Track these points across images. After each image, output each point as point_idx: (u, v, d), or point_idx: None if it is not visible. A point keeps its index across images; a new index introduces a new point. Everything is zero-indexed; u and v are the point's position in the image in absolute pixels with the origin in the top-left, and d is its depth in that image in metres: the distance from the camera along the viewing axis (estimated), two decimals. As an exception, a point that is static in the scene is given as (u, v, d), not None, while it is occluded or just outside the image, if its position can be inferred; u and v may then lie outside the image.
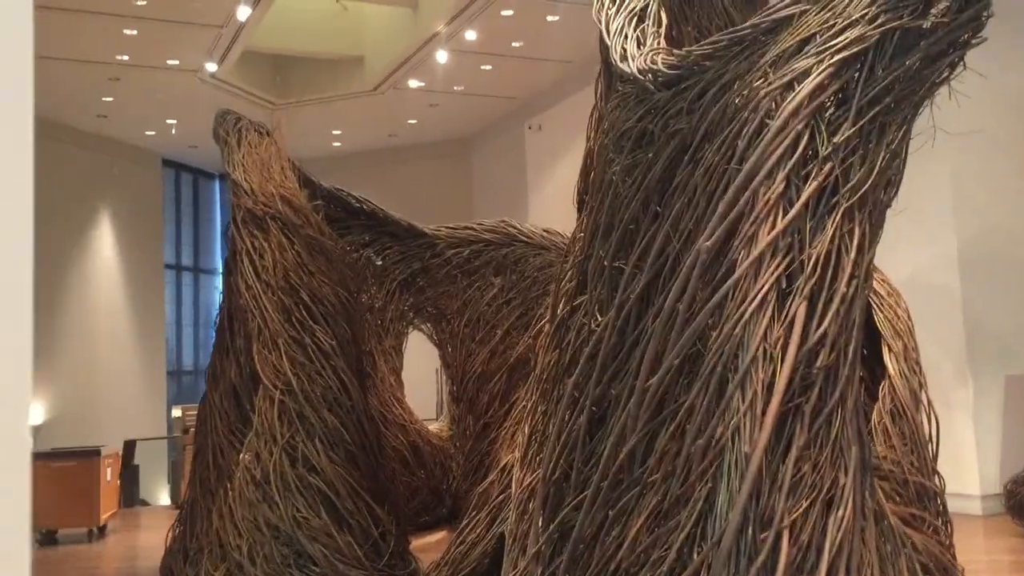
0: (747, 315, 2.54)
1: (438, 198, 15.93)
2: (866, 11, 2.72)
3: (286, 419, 5.69)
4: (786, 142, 2.60)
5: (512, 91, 14.38)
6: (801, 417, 2.50)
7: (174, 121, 15.08)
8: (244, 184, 6.35)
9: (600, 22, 3.62)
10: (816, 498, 2.47)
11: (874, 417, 4.85)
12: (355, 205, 8.02)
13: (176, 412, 13.69)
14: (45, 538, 8.74)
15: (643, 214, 3.06)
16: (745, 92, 2.76)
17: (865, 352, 4.79)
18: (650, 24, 3.46)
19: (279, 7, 11.99)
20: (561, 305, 3.57)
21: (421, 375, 11.57)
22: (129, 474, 12.32)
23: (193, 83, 13.24)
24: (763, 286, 2.54)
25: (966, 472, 8.02)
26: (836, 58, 2.68)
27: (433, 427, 9.80)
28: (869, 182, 2.67)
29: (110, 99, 13.78)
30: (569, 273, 3.60)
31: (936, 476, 4.95)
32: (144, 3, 10.77)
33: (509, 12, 11.41)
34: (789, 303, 2.56)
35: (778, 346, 2.51)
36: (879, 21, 2.70)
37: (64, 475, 8.85)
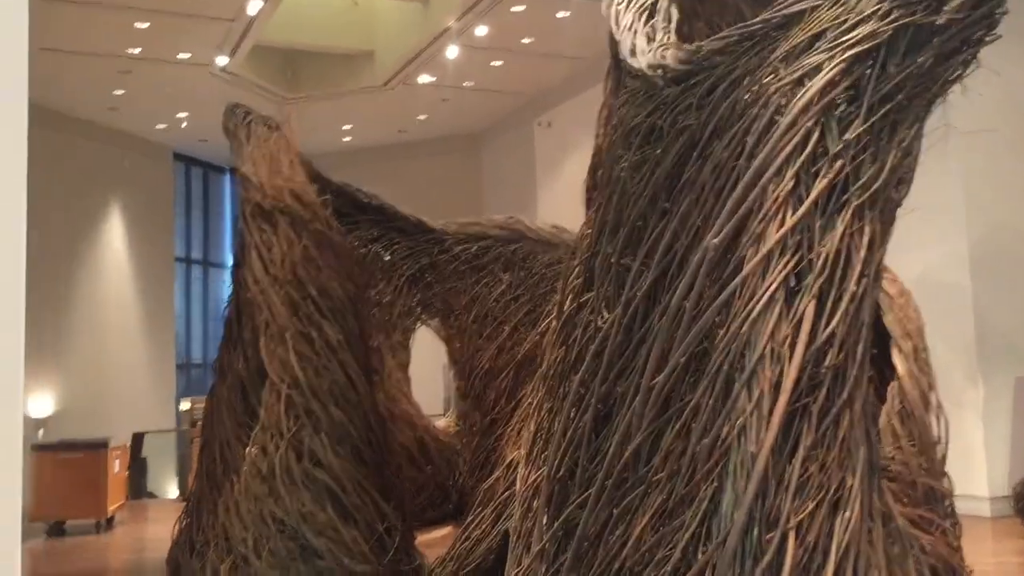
0: (755, 313, 2.52)
1: (447, 194, 15.91)
2: (878, 7, 2.68)
3: (293, 413, 5.69)
4: (796, 139, 2.58)
5: (522, 87, 14.35)
6: (808, 417, 2.48)
7: (185, 115, 15.10)
8: (253, 178, 6.35)
9: (610, 17, 3.59)
10: (823, 499, 2.45)
11: (883, 418, 4.82)
12: (364, 200, 8.01)
13: (185, 405, 13.73)
14: (53, 529, 8.77)
15: (651, 211, 3.04)
16: (755, 88, 2.73)
17: (874, 352, 4.75)
18: (660, 20, 3.43)
19: (290, 1, 11.99)
20: (568, 302, 3.54)
21: (428, 371, 11.57)
22: (137, 466, 12.37)
23: (204, 77, 13.24)
24: (771, 284, 2.52)
25: (975, 474, 7.97)
26: (848, 54, 2.65)
27: (440, 423, 9.80)
28: (880, 180, 2.64)
29: (121, 92, 13.80)
30: (576, 270, 3.58)
31: (945, 478, 4.92)
32: (155, -4, 10.80)
33: (520, 8, 11.38)
34: (797, 302, 2.54)
35: (786, 345, 2.49)
36: (892, 17, 2.66)
37: (72, 467, 8.88)
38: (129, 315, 15.79)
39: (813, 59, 2.69)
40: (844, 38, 2.69)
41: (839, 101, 2.66)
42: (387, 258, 8.45)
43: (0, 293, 1.09)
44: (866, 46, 2.67)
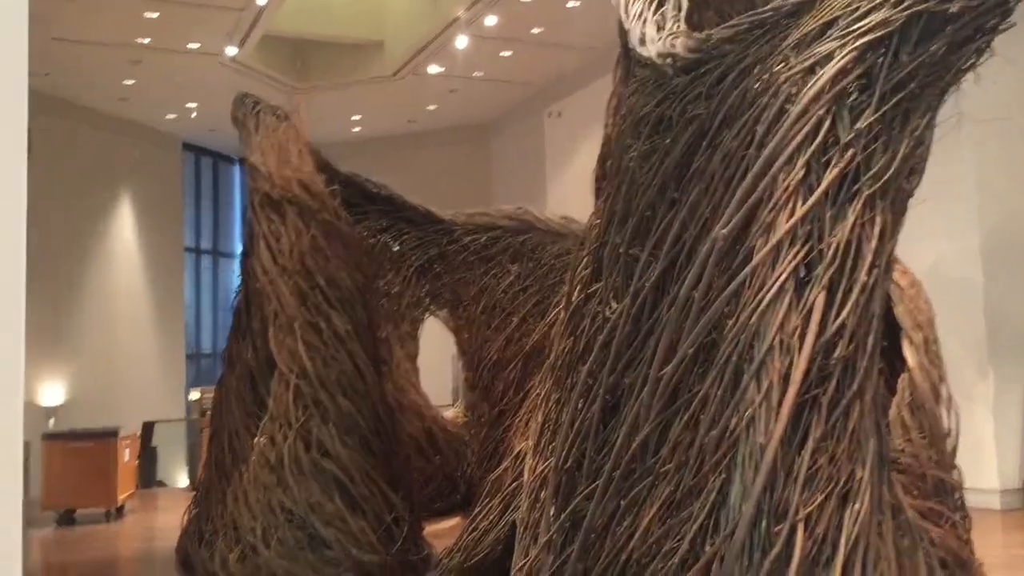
0: (764, 304, 2.50)
1: (456, 184, 15.89)
2: (891, -6, 2.65)
3: (301, 403, 5.69)
4: (807, 128, 2.55)
5: (532, 77, 14.30)
6: (818, 409, 2.46)
7: (194, 105, 15.11)
8: (261, 168, 6.35)
9: (619, 6, 3.56)
10: (832, 491, 2.43)
11: (893, 410, 4.79)
12: (372, 190, 7.99)
13: (194, 395, 13.77)
14: (63, 518, 8.81)
15: (660, 201, 3.01)
16: (765, 77, 2.70)
17: (885, 344, 4.72)
18: (670, 8, 3.40)
19: (299, -9, 11.97)
20: (576, 292, 3.52)
21: (437, 362, 11.57)
22: (148, 455, 12.42)
23: (213, 66, 13.24)
24: (781, 275, 2.49)
25: (985, 467, 7.93)
26: (859, 42, 2.62)
27: (448, 414, 9.80)
28: (892, 170, 2.61)
29: (131, 82, 13.82)
30: (584, 260, 3.56)
31: (955, 470, 4.89)
32: (165, -14, 10.79)
33: (530, -3, 11.35)
34: (807, 292, 2.51)
35: (795, 336, 2.46)
36: (904, 4, 2.63)
37: (82, 456, 8.92)
38: (139, 305, 15.84)
39: (825, 47, 2.66)
40: (856, 26, 2.66)
41: (851, 90, 2.63)
42: (396, 248, 8.44)
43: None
44: (878, 34, 2.64)
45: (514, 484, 4.89)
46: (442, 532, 7.09)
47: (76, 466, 8.82)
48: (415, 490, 6.58)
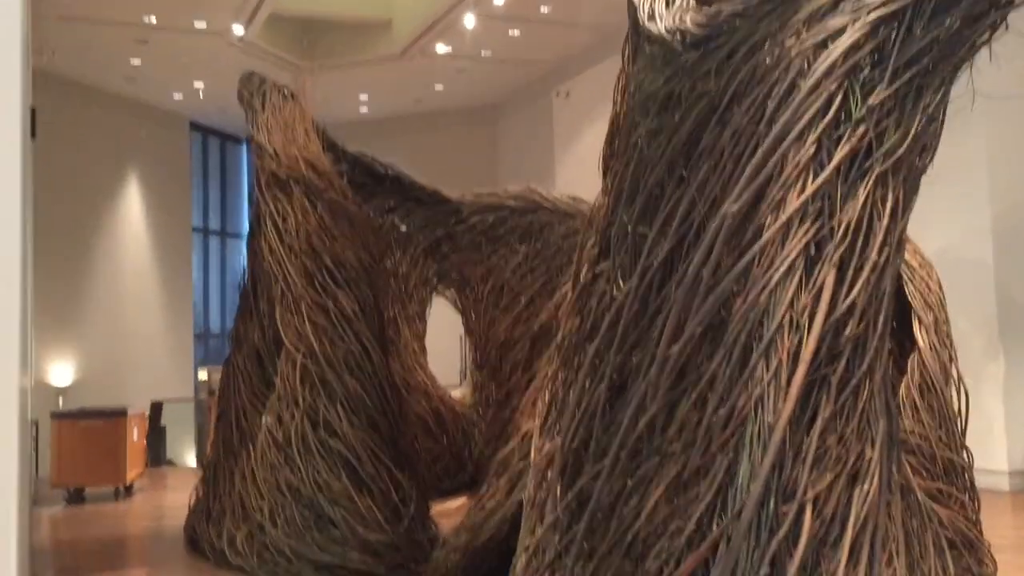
0: (773, 282, 2.47)
1: (464, 164, 15.84)
2: (905, -33, 2.60)
3: (308, 383, 5.69)
4: (818, 103, 2.51)
5: (540, 57, 14.21)
6: (827, 388, 2.44)
7: (201, 84, 15.06)
8: (268, 147, 6.32)
9: (628, -19, 3.51)
10: (841, 471, 2.41)
11: (902, 390, 4.77)
12: (380, 170, 7.97)
13: (203, 374, 13.81)
14: (73, 496, 8.86)
15: (668, 178, 2.98)
16: (776, 51, 2.66)
17: (894, 324, 4.69)
18: (679, -17, 3.36)
19: (306, -31, 11.90)
20: (583, 271, 3.50)
21: (445, 342, 11.57)
22: (156, 435, 12.47)
23: (220, 46, 13.19)
24: (791, 252, 2.47)
25: (994, 447, 7.91)
26: (872, 16, 2.57)
27: (456, 394, 9.80)
28: (904, 147, 2.57)
29: (137, 62, 13.77)
30: (592, 239, 3.53)
31: (964, 451, 4.87)
32: (171, -36, 10.73)
33: (538, -25, 11.25)
34: (817, 270, 2.49)
35: (805, 315, 2.44)
36: (918, -22, 2.58)
37: (91, 435, 8.95)
38: (147, 285, 15.87)
39: (837, 21, 2.62)
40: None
41: (863, 65, 2.59)
42: (403, 229, 8.42)
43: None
44: (892, 8, 2.59)
45: (521, 464, 4.88)
46: (450, 511, 7.10)
47: (85, 445, 8.85)
48: (422, 470, 6.59)
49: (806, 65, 2.60)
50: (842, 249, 2.49)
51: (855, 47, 2.57)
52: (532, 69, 14.78)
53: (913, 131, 2.61)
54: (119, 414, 9.17)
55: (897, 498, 2.66)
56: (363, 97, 16.03)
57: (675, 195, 2.91)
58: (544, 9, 12.27)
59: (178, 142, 16.81)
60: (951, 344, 5.11)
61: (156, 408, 12.64)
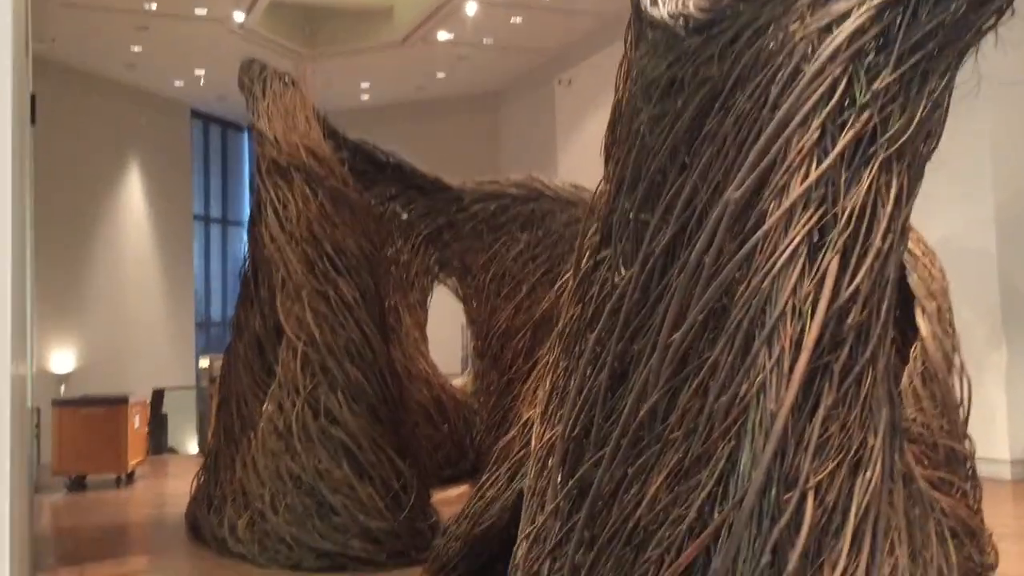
0: (776, 269, 2.45)
1: (466, 152, 15.80)
2: (911, -49, 2.57)
3: (309, 371, 5.68)
4: (822, 88, 2.49)
5: (542, 44, 14.15)
6: (830, 375, 2.42)
7: (202, 72, 15.01)
8: (268, 133, 6.30)
9: (631, -34, 3.48)
10: (843, 459, 2.40)
11: (905, 379, 4.75)
12: (381, 158, 7.94)
13: (204, 362, 13.81)
14: (74, 483, 8.87)
15: (670, 165, 2.96)
16: (780, 36, 2.63)
17: (897, 312, 4.67)
18: (682, -32, 3.32)
19: (307, -44, 11.83)
20: (585, 259, 3.48)
21: (446, 330, 11.55)
22: (158, 422, 12.48)
23: (221, 33, 13.14)
24: (794, 239, 2.44)
25: (996, 436, 7.90)
26: (877, 0, 2.54)
27: (457, 382, 9.79)
28: (909, 132, 2.55)
29: (138, 49, 13.73)
30: (594, 226, 3.51)
31: (966, 440, 4.85)
32: (171, -50, 10.68)
33: (540, -38, 11.19)
34: (821, 257, 2.47)
35: (808, 301, 2.42)
36: (924, -39, 2.55)
37: (93, 422, 8.95)
38: (149, 273, 15.87)
39: (841, 5, 2.59)
40: (874, -17, 2.59)
41: (868, 49, 2.56)
42: (404, 217, 8.39)
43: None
44: (897, -8, 2.56)
45: (522, 452, 4.88)
46: (451, 499, 7.10)
47: (87, 432, 8.86)
48: (424, 457, 6.59)
49: (810, 50, 2.57)
50: (846, 236, 2.47)
51: (860, 31, 2.54)
52: (534, 57, 14.73)
53: (918, 117, 2.58)
54: (120, 402, 9.18)
55: (899, 487, 2.65)
56: (364, 85, 15.98)
57: (677, 182, 2.89)
58: (546, -4, 12.22)
59: (179, 129, 16.78)
60: (954, 332, 5.08)
61: (157, 396, 12.65)
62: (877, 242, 2.51)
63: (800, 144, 2.49)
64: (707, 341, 2.62)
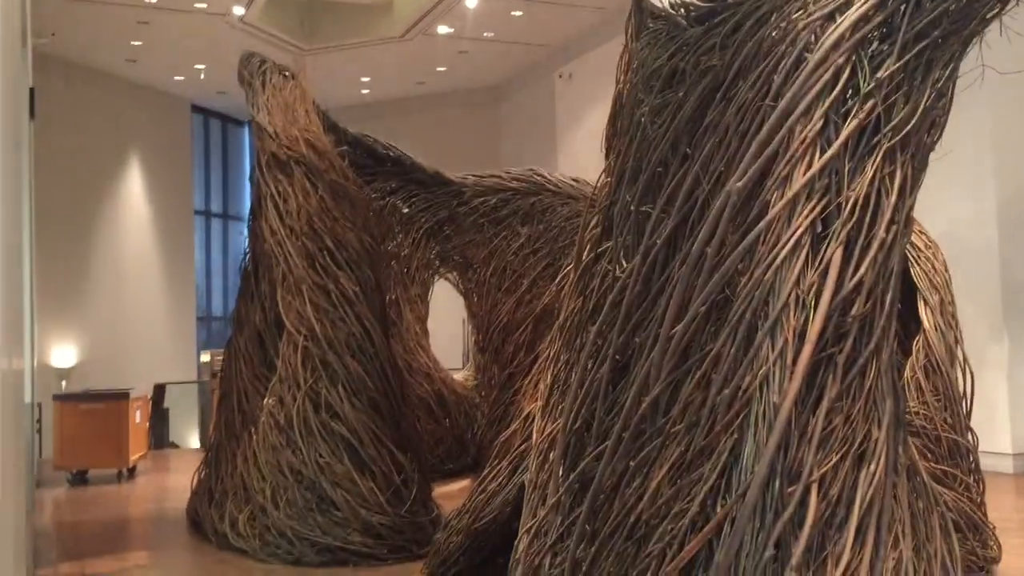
0: (779, 260, 2.43)
1: (466, 146, 15.77)
2: (915, -62, 2.54)
3: (309, 365, 5.66)
4: (825, 77, 2.46)
5: (543, 38, 14.11)
6: (834, 367, 2.40)
7: (202, 66, 14.99)
8: (268, 127, 6.27)
9: (632, -44, 3.46)
10: (847, 452, 2.37)
11: (907, 372, 4.73)
12: (382, 152, 7.92)
13: (205, 357, 13.80)
14: (76, 478, 8.87)
15: (672, 156, 2.94)
16: (783, 25, 2.61)
17: (899, 305, 4.65)
18: (684, -43, 3.29)
19: (307, -51, 11.79)
20: (586, 251, 3.46)
21: (447, 324, 11.53)
22: (160, 417, 12.49)
23: (221, 27, 13.11)
24: (797, 229, 2.42)
25: (999, 430, 7.88)
26: (881, -12, 2.52)
27: (459, 376, 9.78)
28: (913, 122, 2.52)
29: (138, 43, 13.71)
30: (595, 219, 3.49)
31: (969, 433, 4.84)
32: (170, -56, 10.64)
33: (541, -45, 11.15)
34: (824, 248, 2.44)
35: (811, 293, 2.40)
36: (929, -52, 2.53)
37: (94, 417, 8.95)
38: (150, 268, 15.86)
39: (845, -7, 2.57)
40: (878, -29, 2.56)
41: (871, 37, 2.54)
42: (405, 210, 8.37)
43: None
44: (901, -21, 2.54)
45: (523, 446, 4.86)
46: (452, 494, 7.09)
47: (88, 427, 8.85)
48: (425, 452, 6.57)
49: (813, 38, 2.55)
50: (849, 226, 2.45)
51: (864, 19, 2.52)
52: (534, 50, 14.69)
53: (922, 106, 2.56)
54: (122, 396, 9.17)
55: (903, 479, 2.63)
56: (365, 79, 15.95)
57: (679, 173, 2.87)
58: (547, -11, 12.19)
59: (179, 124, 16.76)
60: (956, 325, 5.06)
61: (159, 390, 12.65)
62: (881, 233, 2.49)
63: (803, 134, 2.47)
64: (709, 333, 2.60)
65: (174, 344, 15.99)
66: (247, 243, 6.79)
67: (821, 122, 2.47)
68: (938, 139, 2.81)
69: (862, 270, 2.43)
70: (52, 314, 13.16)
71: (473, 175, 8.43)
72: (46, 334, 13.31)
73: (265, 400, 5.95)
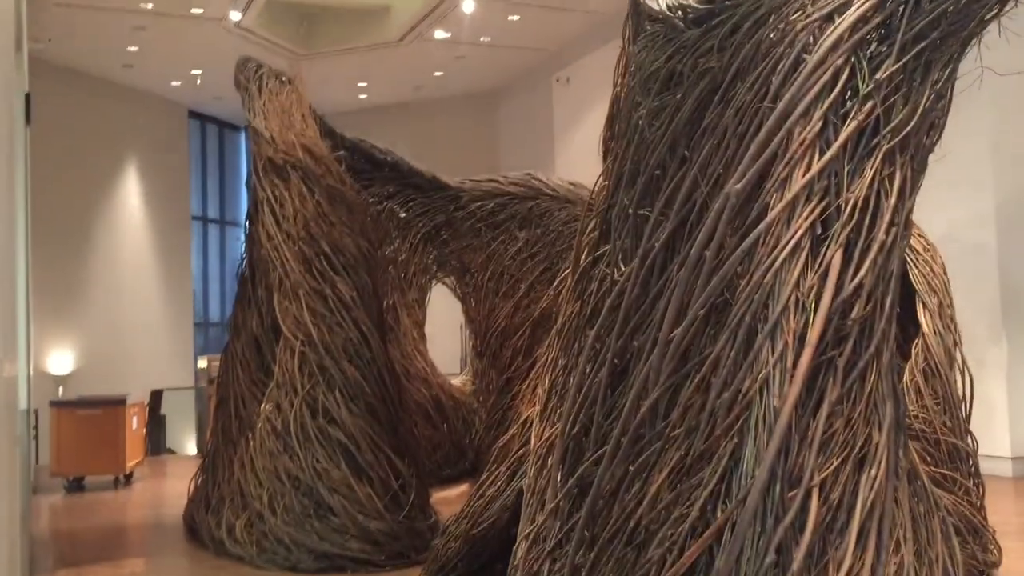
0: (779, 262, 2.41)
1: (464, 151, 15.77)
2: (914, -61, 2.53)
3: (307, 370, 5.64)
4: (824, 78, 2.45)
5: (540, 43, 14.11)
6: (834, 371, 2.38)
7: (199, 72, 14.97)
8: (264, 132, 6.25)
9: (629, -42, 3.45)
10: (848, 456, 2.36)
11: (906, 375, 4.72)
12: (379, 156, 7.91)
13: (202, 363, 13.78)
14: (72, 484, 8.83)
15: (670, 159, 2.92)
16: (781, 26, 2.59)
17: (898, 308, 4.64)
18: (681, -41, 3.28)
19: (303, -46, 11.79)
20: (583, 255, 3.45)
21: (445, 329, 11.51)
22: (156, 423, 12.45)
23: (218, 33, 13.10)
24: (796, 232, 2.41)
25: (998, 433, 7.87)
26: (880, -11, 2.51)
27: (456, 381, 9.76)
28: (912, 123, 2.51)
29: (135, 49, 13.69)
30: (592, 222, 3.48)
31: (969, 436, 4.82)
32: (167, -51, 10.63)
33: (537, -40, 11.15)
34: (824, 250, 2.43)
35: (811, 295, 2.38)
36: (927, -51, 2.51)
37: (90, 423, 8.92)
38: (146, 274, 15.83)
39: (843, -6, 2.55)
40: (876, -28, 2.55)
41: (870, 39, 2.53)
42: (402, 215, 8.36)
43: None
44: (899, -20, 2.53)
45: (521, 451, 4.84)
46: (450, 499, 7.06)
47: (85, 434, 8.82)
48: (423, 457, 6.54)
49: (812, 39, 2.54)
50: (849, 228, 2.44)
51: (862, 20, 2.50)
52: (532, 55, 14.69)
53: (921, 107, 2.55)
54: (118, 402, 9.14)
55: (904, 483, 2.61)
56: (362, 84, 15.95)
57: (677, 175, 2.86)
58: (543, -6, 12.18)
59: (176, 129, 16.73)
60: (955, 328, 5.05)
61: (156, 396, 12.61)
62: (880, 235, 2.47)
63: (802, 136, 2.45)
64: (708, 337, 2.58)
65: (171, 350, 15.96)
66: (244, 248, 6.77)
67: (820, 124, 2.46)
68: (937, 140, 2.80)
69: (862, 272, 2.42)
70: (49, 320, 13.12)
71: (471, 179, 8.42)
72: (43, 340, 13.27)
73: (262, 406, 5.92)
